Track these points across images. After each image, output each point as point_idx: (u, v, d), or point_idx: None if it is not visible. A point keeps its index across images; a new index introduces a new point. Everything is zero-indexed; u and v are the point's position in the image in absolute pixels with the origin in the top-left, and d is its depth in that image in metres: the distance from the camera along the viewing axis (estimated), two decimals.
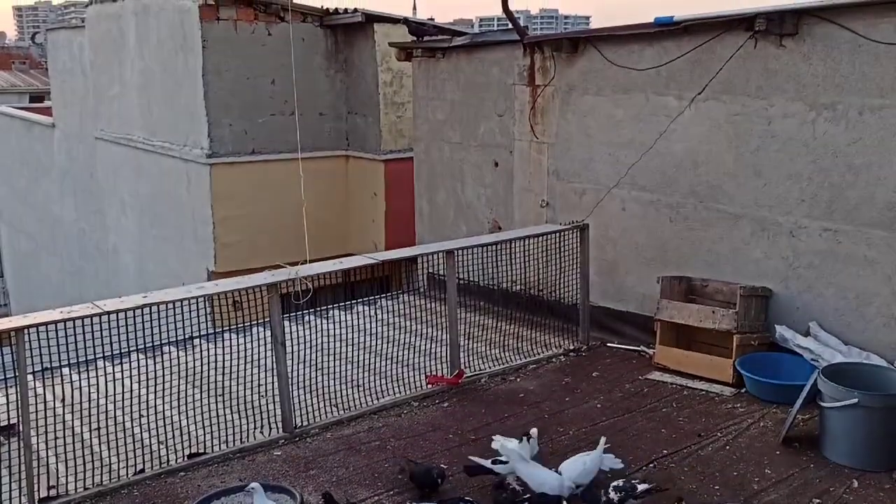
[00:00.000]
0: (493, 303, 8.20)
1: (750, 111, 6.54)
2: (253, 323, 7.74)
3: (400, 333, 7.78)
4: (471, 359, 7.14)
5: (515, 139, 8.59)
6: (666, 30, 6.94)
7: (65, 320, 4.94)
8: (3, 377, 6.17)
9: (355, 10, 11.00)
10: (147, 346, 7.18)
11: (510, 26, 8.68)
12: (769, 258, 6.58)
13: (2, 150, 18.83)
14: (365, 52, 11.11)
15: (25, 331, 4.73)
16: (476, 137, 9.07)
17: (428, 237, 9.82)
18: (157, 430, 5.75)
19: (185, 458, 5.42)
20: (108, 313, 5.13)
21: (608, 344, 7.50)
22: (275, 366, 5.92)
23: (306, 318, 8.40)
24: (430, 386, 6.58)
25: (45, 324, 4.88)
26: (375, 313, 8.69)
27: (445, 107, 9.36)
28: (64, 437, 5.25)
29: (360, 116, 11.47)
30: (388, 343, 7.50)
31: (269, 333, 6.12)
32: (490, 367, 7.00)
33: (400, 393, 6.52)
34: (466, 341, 7.35)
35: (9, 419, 5.51)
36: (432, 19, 15.41)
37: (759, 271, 6.64)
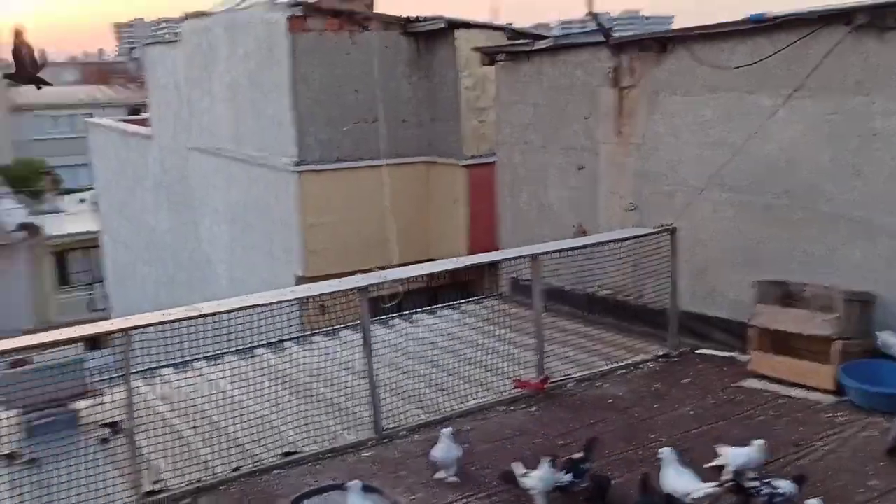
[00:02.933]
0: (578, 307, 8.13)
1: (849, 108, 6.29)
2: (340, 327, 7.93)
3: (484, 338, 7.79)
4: (557, 364, 7.08)
5: (600, 141, 8.50)
6: (759, 27, 6.75)
7: (166, 322, 5.15)
8: (107, 377, 6.52)
9: (438, 17, 11.08)
10: (240, 348, 7.45)
11: (592, 29, 8.60)
12: (869, 260, 6.31)
13: (103, 163, 19.70)
14: (447, 58, 11.18)
15: (131, 332, 4.93)
16: (560, 140, 9.01)
17: (510, 242, 9.79)
18: (252, 430, 5.91)
19: (280, 457, 5.56)
20: (206, 315, 5.32)
21: (698, 350, 7.32)
22: (363, 368, 6.01)
23: (392, 321, 8.54)
24: (516, 390, 6.56)
25: (149, 325, 5.10)
26: (460, 318, 8.73)
27: (528, 110, 9.34)
28: (166, 434, 5.46)
29: (441, 122, 11.54)
30: (472, 347, 7.52)
31: (356, 337, 6.22)
32: (576, 373, 6.93)
33: (486, 397, 6.52)
34: (552, 346, 7.30)
35: (115, 417, 5.76)
36: (511, 24, 15.38)
37: (857, 274, 6.37)
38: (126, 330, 4.92)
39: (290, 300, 5.78)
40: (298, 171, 10.95)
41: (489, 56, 9.87)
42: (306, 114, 10.93)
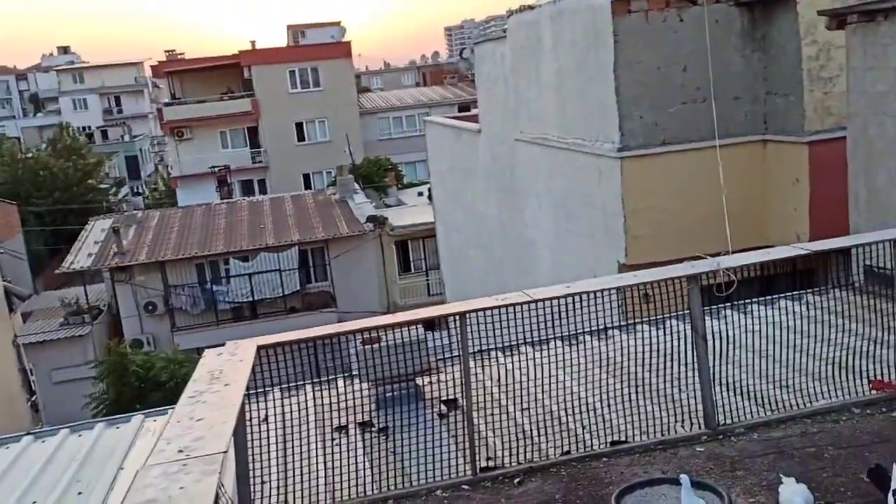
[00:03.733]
0: None
1: None
2: (666, 315, 7.64)
3: (833, 332, 6.99)
4: None
5: None
6: None
7: (500, 307, 5.34)
8: (442, 356, 6.98)
9: None
10: (565, 334, 7.51)
11: None
12: None
13: (438, 157, 21.29)
14: (786, 25, 10.23)
15: (468, 315, 5.20)
16: None
17: (865, 225, 8.71)
18: (580, 415, 5.92)
19: (608, 445, 5.51)
20: (536, 301, 5.42)
21: None
22: (694, 360, 5.72)
23: (722, 312, 8.03)
24: (874, 392, 5.81)
25: (484, 309, 5.33)
26: (801, 309, 7.95)
27: (888, 76, 8.18)
28: (499, 414, 5.68)
29: (779, 97, 10.61)
30: (818, 342, 6.78)
31: (683, 326, 5.94)
32: None
33: (837, 397, 5.85)
34: None
35: (451, 395, 6.15)
36: None
37: None
38: (463, 313, 5.19)
39: (621, 286, 5.68)
40: (621, 157, 10.79)
41: (838, 19, 8.82)
42: (630, 98, 10.71)
